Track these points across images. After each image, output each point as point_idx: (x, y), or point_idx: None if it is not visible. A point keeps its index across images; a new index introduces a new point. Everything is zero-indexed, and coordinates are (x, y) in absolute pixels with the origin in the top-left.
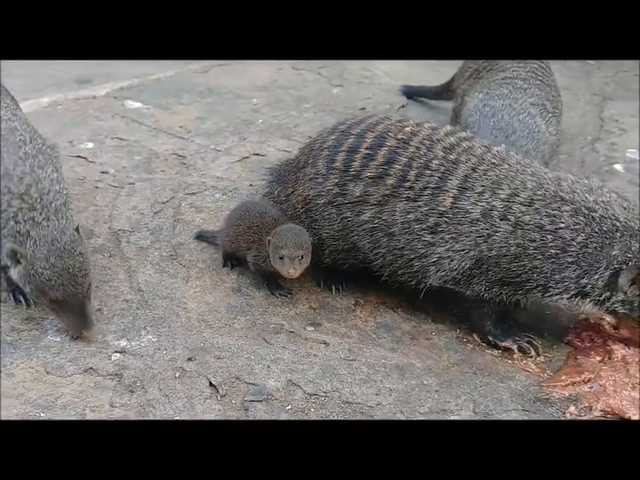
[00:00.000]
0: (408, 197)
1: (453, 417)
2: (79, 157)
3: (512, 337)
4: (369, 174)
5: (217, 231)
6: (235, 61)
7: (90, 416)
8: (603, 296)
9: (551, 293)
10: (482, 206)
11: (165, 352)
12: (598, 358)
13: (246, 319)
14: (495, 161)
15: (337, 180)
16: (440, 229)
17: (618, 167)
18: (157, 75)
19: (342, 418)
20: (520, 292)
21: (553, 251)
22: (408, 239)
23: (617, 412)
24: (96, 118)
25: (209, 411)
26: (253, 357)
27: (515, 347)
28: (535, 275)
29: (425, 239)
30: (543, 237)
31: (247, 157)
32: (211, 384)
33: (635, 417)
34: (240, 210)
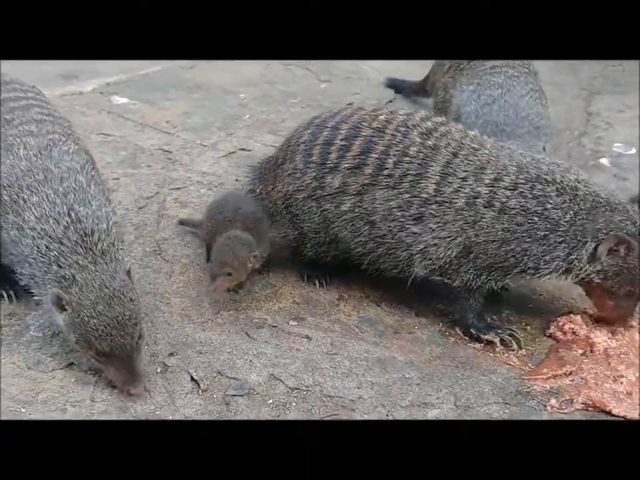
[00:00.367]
0: (387, 184)
1: (434, 410)
2: None
3: (494, 330)
4: (346, 165)
5: (199, 221)
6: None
7: (71, 411)
8: (584, 268)
9: (541, 274)
10: (466, 192)
11: (146, 347)
12: (580, 351)
13: (229, 313)
14: (474, 145)
15: (314, 173)
16: (424, 217)
17: (604, 160)
18: (144, 70)
19: (323, 411)
20: (509, 275)
21: (542, 232)
22: (390, 226)
23: (597, 405)
24: (82, 114)
25: (189, 405)
26: (235, 352)
27: (497, 340)
28: (526, 257)
29: (409, 227)
30: (530, 219)
31: (233, 152)
32: (192, 379)
33: (616, 410)
34: (217, 203)
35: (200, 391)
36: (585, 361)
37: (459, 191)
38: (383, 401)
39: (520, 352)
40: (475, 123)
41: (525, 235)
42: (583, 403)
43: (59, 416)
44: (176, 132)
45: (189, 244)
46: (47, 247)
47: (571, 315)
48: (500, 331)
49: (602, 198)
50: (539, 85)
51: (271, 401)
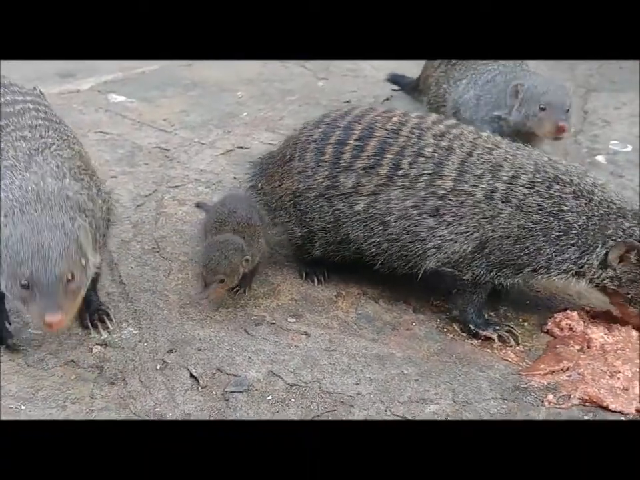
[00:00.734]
0: (403, 184)
1: (432, 406)
2: None
3: (492, 326)
4: (361, 165)
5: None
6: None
7: (70, 408)
8: (596, 274)
9: (551, 274)
10: (484, 188)
11: (146, 344)
12: (577, 347)
13: (227, 311)
14: (488, 145)
15: (327, 172)
16: (441, 212)
17: (600, 158)
18: (142, 68)
19: (322, 408)
20: (520, 273)
21: (556, 233)
22: (405, 225)
23: (594, 400)
24: (79, 112)
25: (189, 402)
26: (234, 349)
27: (495, 336)
28: (539, 256)
29: (425, 221)
30: (545, 219)
31: (231, 150)
32: (191, 375)
33: (613, 405)
34: (217, 203)
35: (199, 388)
36: (582, 356)
37: (476, 186)
38: (381, 397)
39: (517, 348)
40: (476, 105)
41: (539, 233)
42: (580, 399)
43: (59, 413)
44: (173, 130)
45: (188, 241)
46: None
47: (568, 312)
48: (498, 327)
49: (615, 204)
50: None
51: (270, 397)
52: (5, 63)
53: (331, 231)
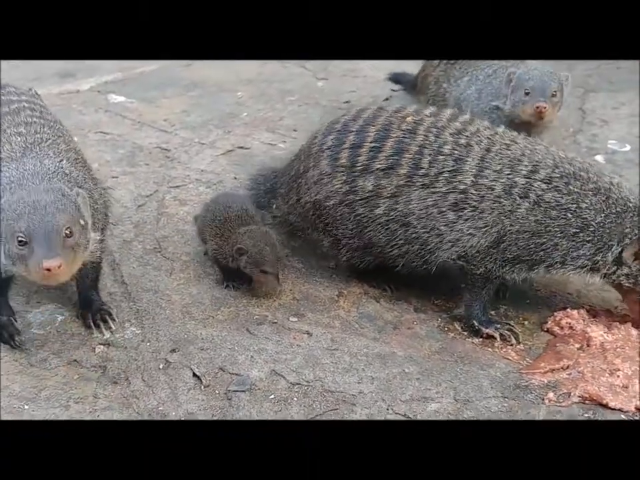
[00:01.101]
0: (423, 184)
1: (433, 404)
2: None
3: (494, 324)
4: (379, 166)
5: None
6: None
7: (74, 407)
8: (611, 270)
9: (567, 269)
10: (503, 182)
11: (148, 344)
12: (577, 345)
13: (229, 310)
14: (506, 141)
15: (344, 177)
16: (461, 206)
17: (599, 157)
18: (141, 68)
19: (324, 406)
20: (536, 269)
21: (573, 229)
22: (425, 225)
23: (594, 398)
24: (79, 112)
25: (192, 401)
26: (236, 348)
27: (497, 335)
28: (555, 252)
29: (446, 218)
30: (564, 215)
31: (231, 150)
32: (194, 375)
33: (613, 403)
34: (211, 202)
35: (202, 387)
36: (581, 355)
37: (496, 181)
38: (383, 396)
39: (518, 346)
40: (478, 98)
41: (557, 229)
42: (580, 396)
43: (62, 412)
44: (174, 130)
45: (189, 241)
46: None
47: (568, 310)
48: (499, 326)
49: (631, 202)
50: None
51: (272, 396)
52: (4, 63)
53: (354, 237)
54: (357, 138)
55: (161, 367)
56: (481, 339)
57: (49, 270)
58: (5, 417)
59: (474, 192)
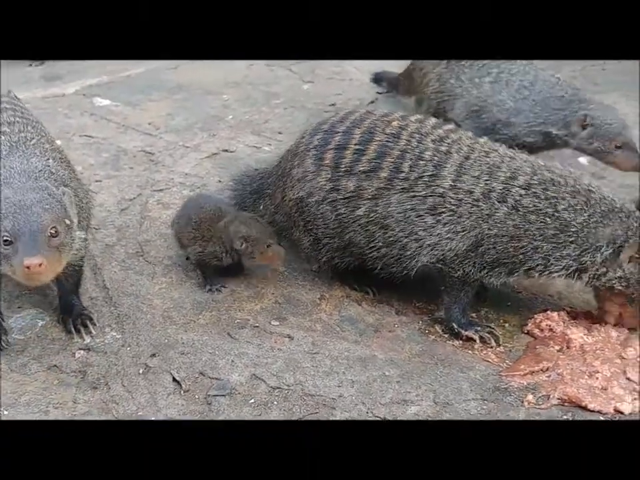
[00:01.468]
0: (403, 188)
1: (413, 407)
2: None
3: (474, 327)
4: (362, 168)
5: None
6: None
7: (53, 413)
8: (600, 272)
9: (550, 270)
10: (481, 187)
11: (128, 348)
12: (556, 347)
13: (211, 314)
14: (485, 149)
15: (328, 176)
16: (439, 210)
17: (583, 160)
18: (127, 71)
19: (304, 410)
20: (516, 273)
21: (551, 231)
22: (404, 228)
23: (573, 400)
24: (65, 116)
25: (172, 406)
26: (217, 352)
27: (476, 337)
28: (535, 255)
29: (424, 222)
30: (542, 219)
31: (216, 153)
32: (174, 379)
33: (592, 405)
34: (182, 207)
35: (182, 392)
36: (561, 357)
37: (475, 185)
38: (363, 399)
39: (498, 349)
40: (515, 108)
41: (536, 233)
42: (559, 399)
43: (42, 418)
44: (159, 133)
45: (172, 245)
46: None
47: (548, 312)
48: (479, 328)
49: (617, 203)
50: None
51: (252, 401)
52: None
53: (335, 237)
54: (342, 139)
55: (140, 371)
56: (461, 342)
57: (28, 268)
58: None
59: (452, 195)
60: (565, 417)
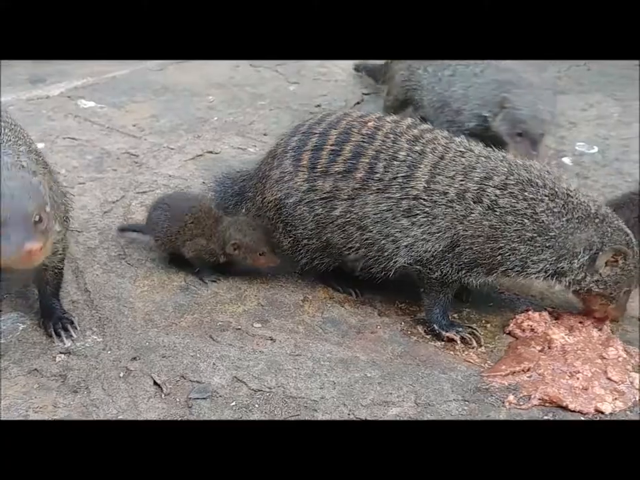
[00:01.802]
0: (378, 188)
1: (394, 409)
2: None
3: (455, 328)
4: (337, 169)
5: (143, 225)
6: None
7: (33, 417)
8: (579, 276)
9: (527, 272)
10: (456, 188)
11: (109, 352)
12: (538, 347)
13: (193, 317)
14: (461, 149)
15: (305, 176)
16: (414, 212)
17: (566, 160)
18: (113, 73)
19: (286, 413)
20: (494, 273)
21: (529, 234)
22: (380, 229)
23: (554, 400)
24: (48, 118)
25: (152, 409)
26: (198, 355)
27: (457, 338)
28: (512, 256)
29: (400, 223)
30: (520, 220)
31: (200, 155)
32: (155, 383)
33: (572, 405)
34: (161, 209)
35: (163, 395)
36: (542, 357)
37: (449, 186)
38: (344, 401)
39: (480, 349)
40: (464, 100)
41: (513, 234)
42: (540, 399)
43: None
44: (143, 135)
45: (154, 248)
46: None
47: (530, 312)
48: (461, 329)
49: (592, 208)
50: None
51: (233, 404)
52: None
53: (313, 238)
54: (319, 140)
55: (121, 375)
56: (442, 343)
57: (29, 252)
58: None
59: (426, 198)
60: (545, 417)
